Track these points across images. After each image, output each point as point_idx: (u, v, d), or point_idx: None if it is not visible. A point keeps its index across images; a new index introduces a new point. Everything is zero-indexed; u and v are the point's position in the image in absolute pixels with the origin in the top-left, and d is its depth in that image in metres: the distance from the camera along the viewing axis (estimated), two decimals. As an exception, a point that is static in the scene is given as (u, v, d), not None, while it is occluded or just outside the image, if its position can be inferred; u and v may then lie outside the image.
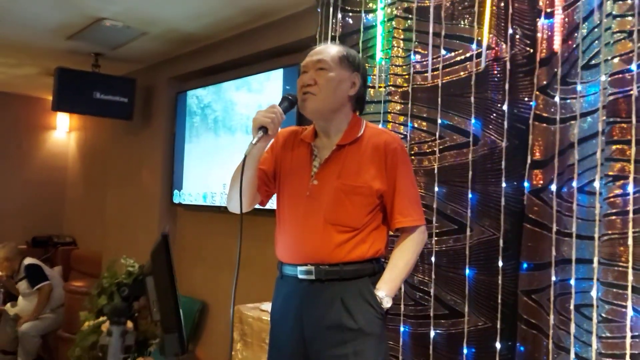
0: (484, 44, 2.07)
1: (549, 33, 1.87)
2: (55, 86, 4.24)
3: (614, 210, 1.50)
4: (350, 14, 2.59)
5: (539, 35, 1.89)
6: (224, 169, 3.71)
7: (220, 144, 3.90)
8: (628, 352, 1.46)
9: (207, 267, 4.10)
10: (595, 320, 1.55)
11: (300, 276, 1.63)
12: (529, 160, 1.87)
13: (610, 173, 1.52)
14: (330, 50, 1.68)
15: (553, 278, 1.78)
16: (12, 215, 6.01)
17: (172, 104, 4.46)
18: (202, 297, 4.10)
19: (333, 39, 2.64)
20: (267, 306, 2.46)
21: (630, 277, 1.47)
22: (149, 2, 3.23)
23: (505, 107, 1.96)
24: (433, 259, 2.18)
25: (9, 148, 6.12)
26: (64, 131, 6.57)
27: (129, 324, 1.54)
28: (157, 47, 4.19)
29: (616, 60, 1.53)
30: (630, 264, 1.47)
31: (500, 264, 1.93)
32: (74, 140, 6.54)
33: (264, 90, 3.51)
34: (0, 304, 4.76)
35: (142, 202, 4.73)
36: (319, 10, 2.71)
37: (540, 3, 1.90)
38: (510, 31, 1.97)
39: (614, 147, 1.51)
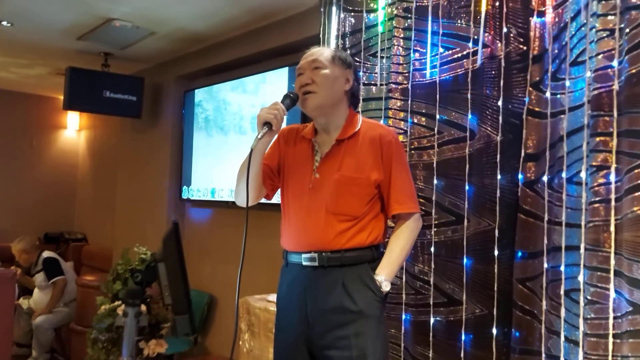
0: (480, 42, 2.14)
1: (541, 31, 1.94)
2: (66, 85, 4.35)
3: (597, 199, 1.58)
4: (352, 13, 2.67)
5: (532, 33, 1.96)
6: (232, 166, 3.82)
7: (227, 140, 4.00)
8: (611, 332, 1.53)
9: (215, 261, 4.19)
10: (582, 303, 1.63)
11: (304, 263, 1.73)
12: (522, 154, 1.94)
13: (594, 163, 1.60)
14: (322, 51, 1.80)
15: (545, 265, 1.86)
16: (25, 213, 6.14)
17: (179, 102, 4.56)
18: (210, 290, 4.20)
19: (336, 38, 2.73)
20: (274, 297, 2.53)
21: (612, 262, 1.55)
22: (157, 2, 3.32)
23: (500, 103, 2.03)
24: (432, 249, 2.26)
25: (21, 147, 6.26)
26: (74, 130, 6.70)
27: (143, 307, 1.64)
28: (165, 47, 4.29)
29: (600, 57, 1.61)
30: (612, 249, 1.55)
31: (496, 253, 2.01)
32: (84, 139, 6.66)
33: (264, 90, 3.61)
34: (15, 299, 4.88)
35: (151, 198, 4.83)
36: (322, 10, 2.80)
37: (533, 3, 1.96)
38: (504, 30, 2.04)
39: (597, 139, 1.59)
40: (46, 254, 4.80)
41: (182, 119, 4.50)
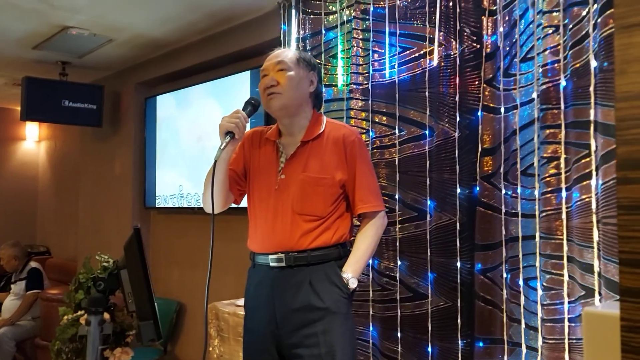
0: (436, 41, 2.20)
1: (493, 29, 2.01)
2: (23, 96, 4.24)
3: (549, 189, 1.65)
4: (312, 16, 2.70)
5: (484, 32, 2.03)
6: (196, 172, 3.80)
7: (190, 146, 3.97)
8: (566, 316, 1.60)
9: (182, 268, 4.15)
10: (539, 290, 1.69)
11: (271, 264, 1.74)
12: (479, 148, 2.01)
13: (545, 155, 1.66)
14: (287, 53, 1.81)
15: (504, 255, 1.92)
16: (-16, 227, 5.96)
17: (140, 109, 4.50)
18: (178, 297, 4.15)
19: (296, 40, 2.76)
20: (242, 302, 2.54)
21: (565, 248, 1.61)
22: (114, 9, 3.28)
23: (456, 100, 2.10)
24: (397, 245, 2.31)
25: (-23, 160, 6.08)
26: (33, 141, 6.53)
27: (106, 316, 1.62)
28: (123, 54, 4.23)
29: (547, 52, 1.68)
30: (564, 236, 1.62)
31: (458, 246, 2.07)
32: (44, 150, 6.51)
33: (226, 93, 3.60)
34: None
35: (115, 208, 4.76)
36: (281, 13, 2.82)
37: (485, 2, 2.03)
38: (458, 29, 2.10)
39: (547, 131, 1.66)
40: (33, 264, 4.77)
41: (144, 126, 4.45)
